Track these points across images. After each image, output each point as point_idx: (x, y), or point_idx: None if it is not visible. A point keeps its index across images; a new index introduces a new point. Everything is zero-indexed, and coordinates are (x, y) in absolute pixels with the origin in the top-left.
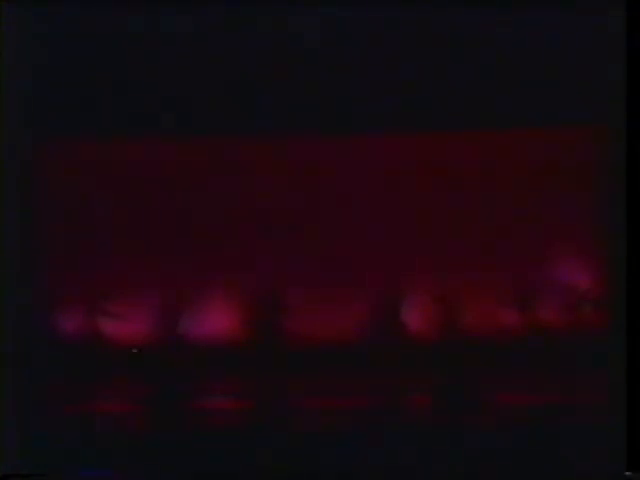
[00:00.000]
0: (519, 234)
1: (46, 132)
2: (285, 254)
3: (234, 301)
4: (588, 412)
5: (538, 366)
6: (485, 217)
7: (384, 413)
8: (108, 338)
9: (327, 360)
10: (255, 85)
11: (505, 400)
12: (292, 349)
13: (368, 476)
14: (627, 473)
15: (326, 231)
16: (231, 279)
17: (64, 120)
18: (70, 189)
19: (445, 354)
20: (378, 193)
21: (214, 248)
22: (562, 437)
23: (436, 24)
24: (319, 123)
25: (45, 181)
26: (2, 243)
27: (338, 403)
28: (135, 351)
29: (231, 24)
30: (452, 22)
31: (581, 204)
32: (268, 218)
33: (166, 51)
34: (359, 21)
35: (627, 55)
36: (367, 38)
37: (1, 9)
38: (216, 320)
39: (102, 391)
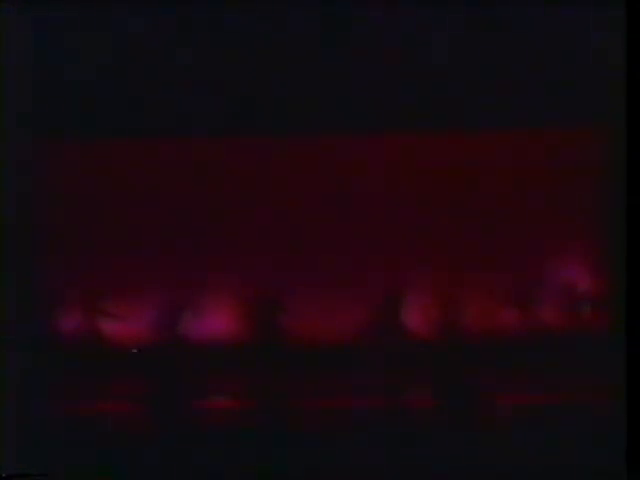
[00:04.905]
0: (519, 234)
1: (46, 132)
2: (285, 255)
3: (235, 302)
4: (588, 412)
5: (538, 366)
6: (485, 217)
7: (384, 413)
8: (108, 338)
9: (327, 360)
10: (255, 87)
11: (505, 400)
12: (292, 349)
13: (368, 476)
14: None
15: (326, 233)
16: (231, 280)
17: (64, 120)
18: (70, 189)
19: (445, 354)
20: (378, 193)
21: (214, 249)
22: (562, 437)
23: (435, 24)
24: (318, 124)
25: (45, 181)
26: (2, 243)
27: (337, 403)
28: (135, 351)
29: (232, 25)
30: (451, 22)
31: (581, 204)
32: (268, 219)
33: (166, 51)
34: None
35: (627, 55)
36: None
37: (1, 9)
38: (216, 321)
39: (102, 391)
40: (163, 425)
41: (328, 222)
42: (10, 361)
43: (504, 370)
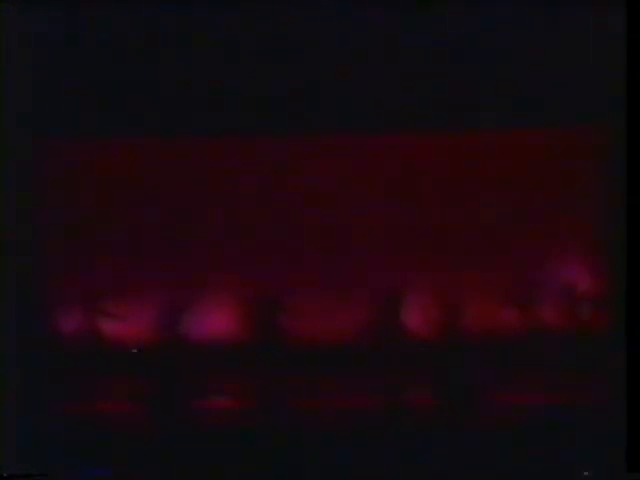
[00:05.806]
0: (519, 234)
1: (46, 132)
2: (285, 255)
3: (235, 302)
4: (588, 412)
5: (538, 366)
6: (485, 217)
7: (384, 413)
8: (108, 338)
9: (327, 360)
10: (254, 87)
11: (505, 400)
12: (292, 349)
13: (368, 476)
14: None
15: (327, 233)
16: (231, 280)
17: (64, 120)
18: (69, 189)
19: (445, 354)
20: (378, 193)
21: (214, 249)
22: (562, 437)
23: (435, 24)
24: (318, 125)
25: (45, 181)
26: (2, 243)
27: (337, 403)
28: (135, 351)
29: (230, 27)
30: (451, 21)
31: (581, 204)
32: (268, 219)
33: (165, 52)
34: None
35: (627, 55)
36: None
37: (1, 10)
38: (216, 321)
39: (102, 391)
40: (163, 425)
41: (328, 222)
42: (10, 361)
43: (504, 370)
